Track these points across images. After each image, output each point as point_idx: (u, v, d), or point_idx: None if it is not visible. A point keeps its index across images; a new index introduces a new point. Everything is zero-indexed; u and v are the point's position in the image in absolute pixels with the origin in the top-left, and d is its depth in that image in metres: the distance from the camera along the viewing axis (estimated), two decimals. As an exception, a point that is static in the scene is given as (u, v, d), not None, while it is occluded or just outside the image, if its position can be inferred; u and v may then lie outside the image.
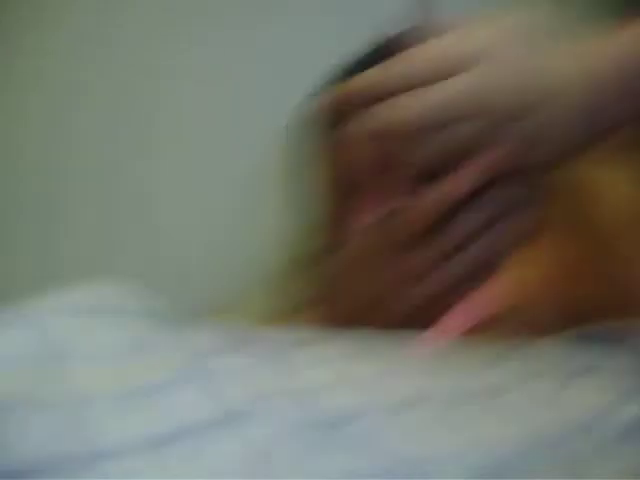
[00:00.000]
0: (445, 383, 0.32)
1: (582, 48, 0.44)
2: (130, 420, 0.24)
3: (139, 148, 1.06)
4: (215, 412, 0.25)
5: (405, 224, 0.44)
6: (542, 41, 0.44)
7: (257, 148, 1.02)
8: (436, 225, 0.44)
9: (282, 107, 0.77)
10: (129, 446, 0.23)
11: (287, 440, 0.25)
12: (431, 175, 0.44)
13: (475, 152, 0.43)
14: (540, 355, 0.40)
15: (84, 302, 0.28)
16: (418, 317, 0.46)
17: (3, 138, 0.99)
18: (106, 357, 0.26)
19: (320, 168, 0.84)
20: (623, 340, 0.44)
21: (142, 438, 0.23)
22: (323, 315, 0.51)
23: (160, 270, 1.00)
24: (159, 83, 1.05)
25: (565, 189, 0.71)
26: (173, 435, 0.24)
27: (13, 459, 0.22)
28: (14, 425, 0.23)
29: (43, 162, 1.01)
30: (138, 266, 0.99)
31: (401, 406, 0.30)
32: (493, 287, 0.74)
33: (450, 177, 0.43)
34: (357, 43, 0.82)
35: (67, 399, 0.24)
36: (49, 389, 0.24)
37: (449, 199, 0.43)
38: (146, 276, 0.98)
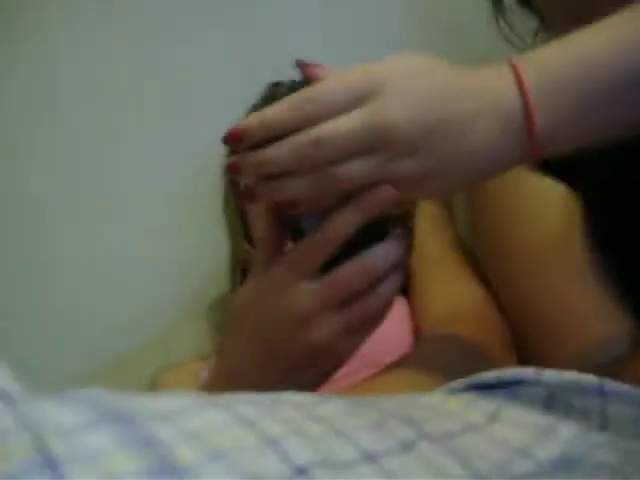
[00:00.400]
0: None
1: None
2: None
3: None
4: None
5: (297, 262, 0.44)
6: (440, 72, 0.43)
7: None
8: (331, 261, 0.44)
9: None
10: None
11: None
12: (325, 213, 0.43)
13: (369, 187, 0.42)
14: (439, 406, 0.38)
15: None
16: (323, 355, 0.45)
17: None
18: None
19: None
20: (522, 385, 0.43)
21: None
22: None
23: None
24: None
25: (486, 212, 0.71)
26: None
27: None
28: None
29: None
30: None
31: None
32: (407, 316, 0.74)
33: (340, 213, 0.43)
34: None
35: None
36: None
37: (338, 236, 0.43)
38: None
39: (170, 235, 0.98)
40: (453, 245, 0.79)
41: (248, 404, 0.29)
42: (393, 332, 0.71)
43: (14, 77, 1.14)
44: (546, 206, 0.64)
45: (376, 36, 1.03)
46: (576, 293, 0.60)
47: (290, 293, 0.43)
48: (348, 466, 0.27)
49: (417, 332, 0.73)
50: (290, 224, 0.46)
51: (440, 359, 0.63)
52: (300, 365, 0.45)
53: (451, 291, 0.72)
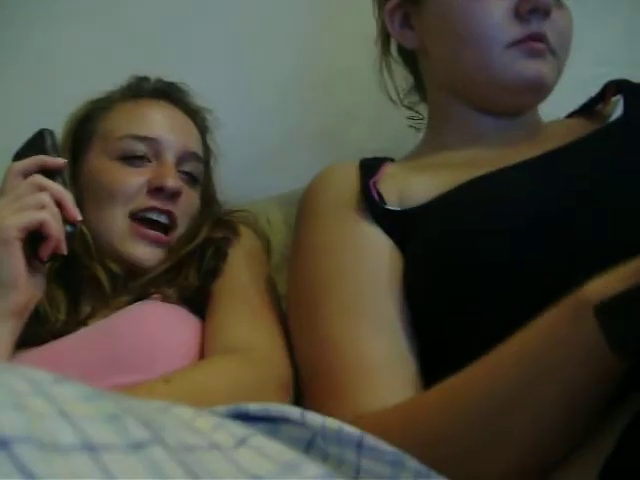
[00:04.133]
0: None
1: None
2: None
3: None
4: None
5: None
6: None
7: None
8: None
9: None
10: None
11: None
12: None
13: None
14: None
15: None
16: None
17: None
18: None
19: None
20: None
21: None
22: None
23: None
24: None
25: (303, 247, 0.70)
26: None
27: None
28: None
29: None
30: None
31: None
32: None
33: None
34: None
35: None
36: None
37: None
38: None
39: None
40: (263, 279, 0.77)
41: None
42: (179, 344, 0.68)
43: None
44: (373, 255, 0.64)
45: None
46: (378, 349, 0.59)
47: None
48: (60, 449, 0.24)
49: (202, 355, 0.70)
50: None
51: (209, 383, 0.61)
52: None
53: (243, 328, 0.71)
